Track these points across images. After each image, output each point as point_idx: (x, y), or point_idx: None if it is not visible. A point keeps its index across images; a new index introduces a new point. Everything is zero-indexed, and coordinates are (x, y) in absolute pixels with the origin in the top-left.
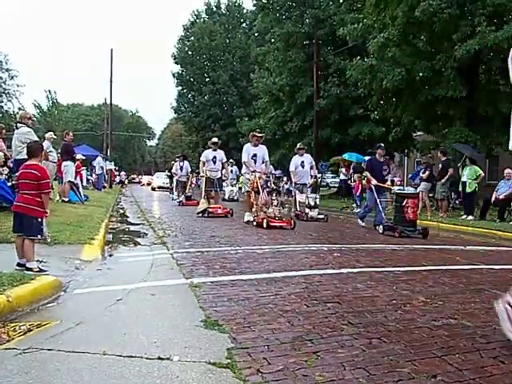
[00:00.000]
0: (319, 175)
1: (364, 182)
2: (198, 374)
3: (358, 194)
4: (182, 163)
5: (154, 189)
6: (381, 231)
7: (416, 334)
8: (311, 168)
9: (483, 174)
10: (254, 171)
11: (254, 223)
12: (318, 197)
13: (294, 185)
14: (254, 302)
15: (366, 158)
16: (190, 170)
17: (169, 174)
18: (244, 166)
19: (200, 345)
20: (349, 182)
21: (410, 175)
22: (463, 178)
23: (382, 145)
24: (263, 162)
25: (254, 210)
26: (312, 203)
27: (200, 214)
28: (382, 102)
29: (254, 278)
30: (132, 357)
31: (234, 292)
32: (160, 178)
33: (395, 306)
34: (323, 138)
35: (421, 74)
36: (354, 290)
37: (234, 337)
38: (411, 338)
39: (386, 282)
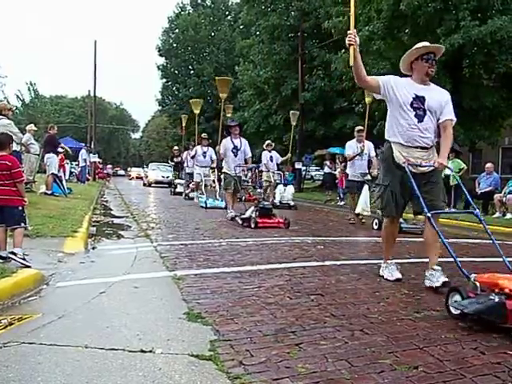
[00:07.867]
0: (303, 168)
1: None
2: (180, 366)
3: (342, 186)
4: (205, 148)
5: (149, 184)
6: None
7: (398, 325)
8: None
9: (466, 167)
10: None
11: None
12: None
13: None
14: (238, 294)
15: None
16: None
17: (172, 163)
18: None
19: (183, 337)
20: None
21: None
22: (446, 171)
23: None
24: None
25: None
26: None
27: None
28: None
29: (238, 270)
30: (114, 349)
31: (217, 284)
32: (157, 171)
33: (378, 298)
34: (308, 130)
35: None
36: (337, 282)
37: (217, 329)
38: (393, 329)
39: (370, 275)
